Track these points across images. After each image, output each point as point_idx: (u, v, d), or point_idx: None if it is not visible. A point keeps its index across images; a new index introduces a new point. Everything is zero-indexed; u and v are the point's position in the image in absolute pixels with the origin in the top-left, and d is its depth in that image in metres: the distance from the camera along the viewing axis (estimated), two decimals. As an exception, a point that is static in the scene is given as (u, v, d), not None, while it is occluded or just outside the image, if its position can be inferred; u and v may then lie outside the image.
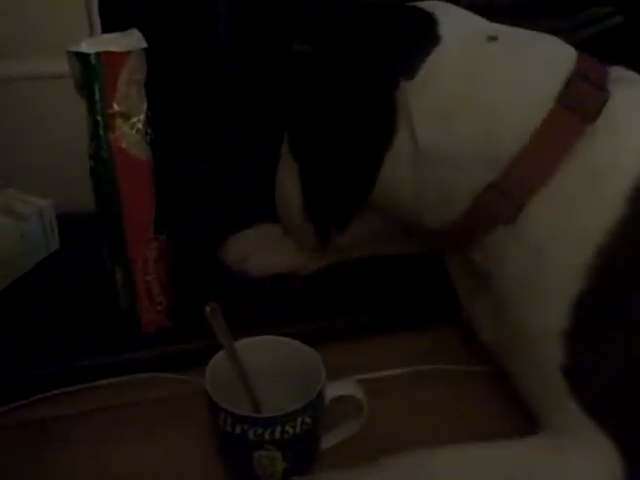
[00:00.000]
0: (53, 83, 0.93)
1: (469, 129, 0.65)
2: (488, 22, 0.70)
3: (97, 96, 0.71)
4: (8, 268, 0.85)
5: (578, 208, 0.63)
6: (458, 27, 0.68)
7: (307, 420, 0.60)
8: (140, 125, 0.73)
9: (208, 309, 0.63)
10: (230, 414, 0.59)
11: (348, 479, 0.62)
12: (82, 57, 0.70)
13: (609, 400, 0.62)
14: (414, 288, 0.85)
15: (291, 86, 0.78)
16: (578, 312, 0.62)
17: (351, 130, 0.70)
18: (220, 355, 0.64)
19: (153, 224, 0.75)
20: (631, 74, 0.69)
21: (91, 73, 0.70)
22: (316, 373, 0.62)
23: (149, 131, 0.74)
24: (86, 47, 0.70)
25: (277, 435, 0.59)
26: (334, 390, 0.63)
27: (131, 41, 0.72)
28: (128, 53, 0.71)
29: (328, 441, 0.65)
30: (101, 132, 0.72)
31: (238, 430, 0.59)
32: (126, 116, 0.72)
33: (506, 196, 0.64)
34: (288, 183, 0.79)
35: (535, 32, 0.69)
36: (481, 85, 0.65)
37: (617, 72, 0.68)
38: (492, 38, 0.67)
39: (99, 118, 0.71)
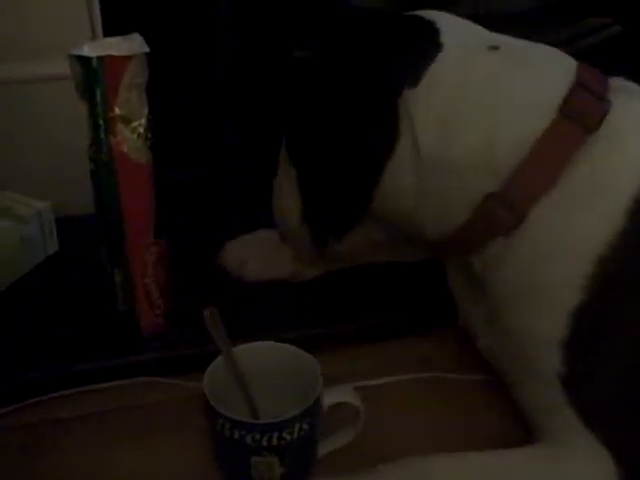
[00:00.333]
0: (54, 85, 0.94)
1: (471, 138, 0.65)
2: (488, 32, 0.70)
3: (98, 99, 0.71)
4: (7, 270, 0.85)
5: (578, 219, 0.63)
6: (459, 36, 0.68)
7: (304, 426, 0.60)
8: (141, 129, 0.73)
9: (207, 314, 0.63)
10: (228, 419, 0.59)
11: (345, 486, 0.62)
12: (84, 61, 0.70)
13: (606, 409, 0.62)
14: (412, 295, 0.85)
15: (291, 91, 0.78)
16: (576, 322, 0.62)
17: (352, 138, 0.70)
18: (218, 360, 0.64)
19: (153, 228, 0.75)
20: (631, 85, 0.69)
21: (93, 77, 0.70)
22: (314, 379, 0.62)
23: (150, 135, 0.74)
24: (88, 51, 0.70)
25: (274, 441, 0.59)
26: (332, 397, 0.63)
27: (133, 45, 0.72)
28: (130, 57, 0.71)
29: (325, 447, 0.65)
30: (102, 136, 0.72)
31: (236, 435, 0.59)
32: (127, 120, 0.72)
33: (507, 206, 0.64)
34: (286, 190, 0.79)
35: (535, 43, 0.70)
36: (483, 94, 0.65)
37: (618, 83, 0.68)
38: (493, 48, 0.67)
39: (100, 121, 0.72)
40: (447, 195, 0.67)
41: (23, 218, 0.87)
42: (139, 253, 0.75)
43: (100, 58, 0.70)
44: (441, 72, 0.66)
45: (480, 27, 0.71)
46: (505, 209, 0.64)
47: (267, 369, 0.66)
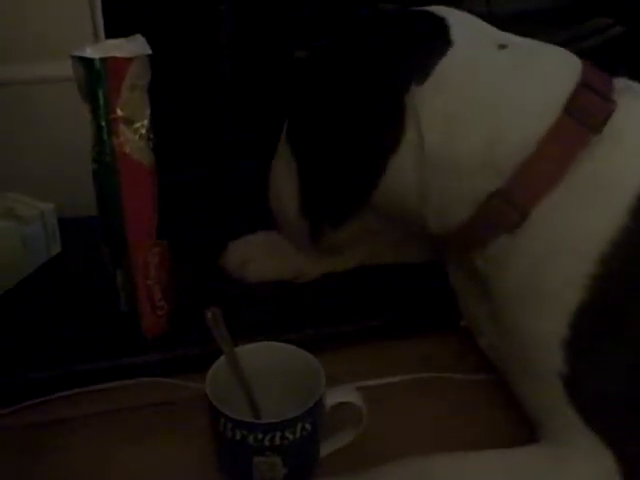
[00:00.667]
0: (56, 86, 0.94)
1: (476, 135, 0.65)
2: (497, 30, 0.71)
3: (101, 101, 0.71)
4: (9, 271, 0.85)
5: (581, 218, 0.63)
6: (469, 34, 0.68)
7: (307, 426, 0.60)
8: (143, 130, 0.73)
9: (209, 315, 0.63)
10: (230, 420, 0.59)
11: (348, 485, 0.62)
12: (86, 62, 0.70)
13: (607, 408, 0.62)
14: (414, 295, 0.85)
15: (296, 80, 0.77)
16: (578, 321, 0.62)
17: (358, 130, 0.69)
18: (221, 361, 0.64)
19: (155, 229, 0.75)
20: (636, 85, 0.69)
21: (95, 78, 0.71)
22: (316, 380, 0.62)
23: (152, 136, 0.74)
24: (91, 52, 0.71)
25: (277, 441, 0.59)
26: (334, 397, 0.63)
27: (135, 47, 0.73)
28: (132, 59, 0.71)
29: (327, 447, 0.65)
30: (104, 137, 0.72)
31: (238, 436, 0.59)
32: (129, 121, 0.72)
33: (510, 203, 0.64)
34: (284, 178, 0.79)
35: (542, 42, 0.70)
36: (489, 92, 0.65)
37: (622, 83, 0.68)
38: (501, 46, 0.68)
39: (102, 123, 0.72)
40: (450, 191, 0.67)
41: (26, 219, 0.88)
42: (141, 254, 0.75)
43: (103, 59, 0.70)
44: (449, 69, 0.66)
45: (489, 25, 0.71)
46: (508, 207, 0.64)
47: (269, 369, 0.66)
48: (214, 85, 1.13)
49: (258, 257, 0.87)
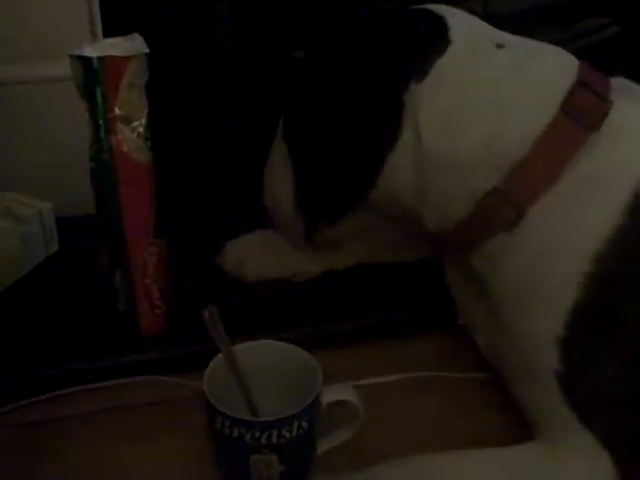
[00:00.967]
0: (54, 86, 0.94)
1: (474, 133, 0.65)
2: (495, 30, 0.71)
3: (99, 100, 0.71)
4: (8, 270, 0.85)
5: (577, 216, 0.63)
6: (467, 32, 0.68)
7: (304, 424, 0.60)
8: (141, 129, 0.73)
9: (206, 313, 0.63)
10: (228, 418, 0.59)
11: (345, 483, 0.63)
12: (84, 61, 0.70)
13: (603, 407, 0.62)
14: (411, 294, 0.85)
15: (293, 79, 0.77)
16: (574, 319, 0.62)
17: (355, 128, 0.69)
18: (218, 359, 0.64)
19: (153, 228, 0.75)
20: (632, 85, 0.70)
21: (93, 77, 0.71)
22: (313, 378, 0.63)
23: (149, 135, 0.74)
24: (88, 51, 0.71)
25: (274, 439, 0.59)
26: (331, 395, 0.63)
27: (133, 46, 0.73)
28: (130, 58, 0.71)
29: (324, 445, 0.65)
30: (102, 135, 0.72)
31: (235, 434, 0.59)
32: (127, 120, 0.72)
33: (507, 202, 0.64)
34: (279, 174, 0.79)
35: (540, 42, 0.70)
36: (487, 91, 0.66)
37: (619, 83, 0.69)
38: (499, 46, 0.68)
39: (100, 121, 0.72)
40: (448, 189, 0.67)
41: (24, 218, 0.88)
42: (139, 253, 0.75)
43: (100, 58, 0.70)
44: (448, 68, 0.66)
45: (487, 25, 0.71)
46: (505, 205, 0.65)
47: (266, 367, 0.66)
48: (212, 85, 1.14)
49: (255, 256, 0.87)
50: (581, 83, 0.65)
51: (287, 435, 0.60)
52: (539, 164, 0.64)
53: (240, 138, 1.16)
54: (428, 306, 0.84)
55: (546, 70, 0.67)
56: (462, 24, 0.69)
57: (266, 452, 0.60)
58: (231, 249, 0.88)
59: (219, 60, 1.12)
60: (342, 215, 0.76)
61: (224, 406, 0.60)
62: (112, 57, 0.70)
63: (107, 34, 0.95)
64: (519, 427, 0.67)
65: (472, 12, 0.72)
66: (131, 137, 0.73)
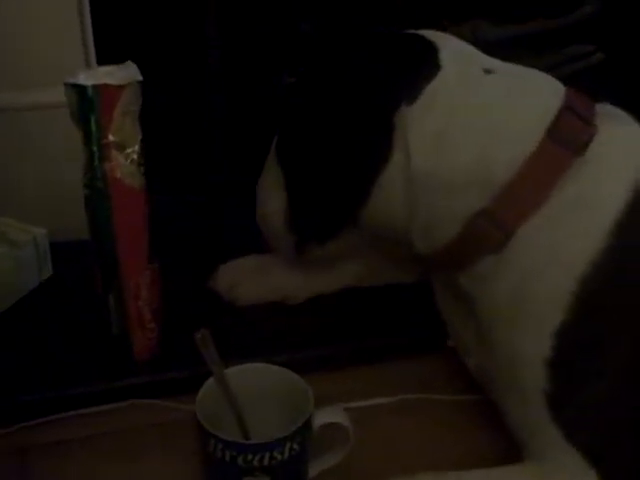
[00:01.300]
0: (49, 113, 0.95)
1: (463, 156, 0.66)
2: (485, 55, 0.72)
3: (93, 127, 0.72)
4: (1, 295, 0.85)
5: (563, 239, 0.64)
6: (458, 58, 0.70)
7: (295, 446, 0.61)
8: (135, 155, 0.74)
9: (199, 336, 0.64)
10: (220, 440, 0.60)
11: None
12: (79, 89, 0.71)
13: (591, 427, 0.63)
14: (402, 317, 0.86)
15: (285, 100, 0.78)
16: (561, 341, 0.63)
17: (346, 148, 0.70)
18: (210, 382, 0.65)
19: (146, 253, 0.76)
20: (617, 110, 0.71)
21: (87, 105, 0.71)
22: (304, 400, 0.63)
23: (143, 161, 0.75)
24: (83, 79, 0.71)
25: (266, 461, 0.60)
26: (322, 417, 0.64)
27: (127, 74, 0.74)
28: (124, 86, 0.72)
29: (316, 468, 0.66)
30: (96, 162, 0.73)
31: (228, 456, 0.60)
32: (121, 146, 0.73)
33: (495, 223, 0.66)
34: (272, 192, 0.80)
35: (527, 68, 0.72)
36: (476, 116, 0.67)
37: (604, 108, 0.70)
38: (488, 71, 0.69)
39: (94, 148, 0.73)
40: (436, 211, 0.68)
41: (18, 243, 0.88)
42: (132, 277, 0.76)
43: (95, 87, 0.71)
44: (438, 92, 0.67)
45: (477, 50, 0.73)
46: (493, 227, 0.66)
47: (258, 390, 0.67)
48: (205, 107, 1.15)
49: (247, 280, 0.88)
50: (567, 108, 0.67)
51: (279, 457, 0.60)
52: (526, 187, 0.65)
53: (232, 162, 1.17)
54: (418, 329, 0.84)
55: (533, 96, 0.69)
56: (452, 49, 0.70)
57: (258, 474, 0.60)
58: (223, 273, 0.89)
59: (211, 84, 1.13)
60: (332, 234, 0.77)
61: (216, 429, 0.60)
62: (106, 85, 0.71)
63: (101, 62, 0.96)
64: (509, 448, 0.67)
65: (461, 38, 0.74)
66: (125, 163, 0.73)
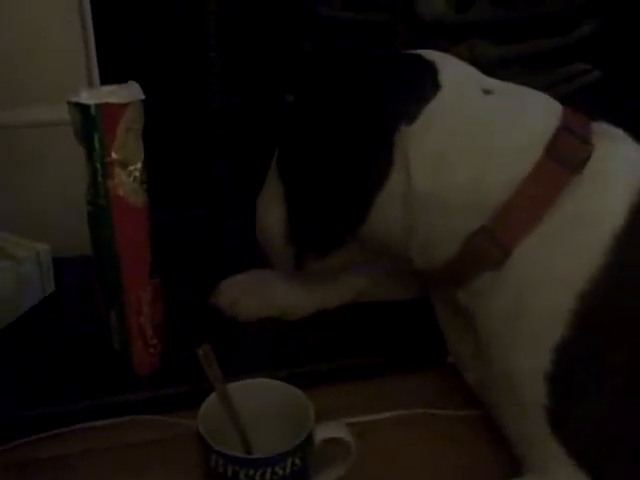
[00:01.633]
0: (52, 130, 0.96)
1: (461, 176, 0.67)
2: (484, 75, 0.73)
3: (96, 145, 0.73)
4: (4, 310, 0.86)
5: (561, 256, 0.65)
6: (457, 78, 0.70)
7: (297, 461, 0.61)
8: (137, 173, 0.74)
9: (201, 352, 0.64)
10: (222, 455, 0.60)
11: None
12: (82, 108, 0.72)
13: (590, 441, 0.63)
14: (403, 332, 0.86)
15: (286, 116, 0.79)
16: (560, 357, 0.63)
17: (347, 167, 0.71)
18: (212, 398, 0.65)
19: (148, 269, 0.76)
20: (614, 129, 0.72)
21: (91, 123, 0.72)
22: (306, 415, 0.63)
23: (145, 179, 0.76)
24: (86, 98, 0.72)
25: (267, 476, 0.60)
26: (323, 432, 0.64)
27: (129, 93, 0.74)
28: (127, 104, 0.73)
29: (317, 483, 0.66)
30: (99, 179, 0.74)
31: (230, 471, 0.60)
32: (124, 164, 0.74)
33: (494, 241, 0.66)
34: (272, 205, 0.80)
35: (525, 87, 0.72)
36: (475, 135, 0.68)
37: (601, 127, 0.71)
38: (487, 91, 0.70)
39: (98, 166, 0.73)
40: (436, 228, 0.69)
41: (21, 259, 0.89)
42: (134, 293, 0.76)
43: (98, 105, 0.72)
44: (438, 111, 0.68)
45: (476, 70, 0.74)
46: (492, 244, 0.66)
47: (260, 406, 0.67)
48: (207, 125, 1.15)
49: (248, 295, 0.88)
50: (565, 127, 0.68)
51: (281, 472, 0.60)
52: (524, 205, 0.66)
53: (234, 178, 1.17)
54: (419, 344, 0.85)
55: (531, 115, 0.69)
56: (452, 69, 0.71)
57: (260, 489, 0.61)
58: (224, 289, 0.89)
59: (212, 102, 1.14)
60: (331, 248, 0.78)
61: (218, 444, 0.60)
62: (109, 104, 0.72)
63: (104, 82, 0.97)
64: (509, 463, 0.68)
65: (460, 57, 0.75)
66: (127, 181, 0.74)
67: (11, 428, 0.73)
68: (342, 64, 0.76)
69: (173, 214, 1.02)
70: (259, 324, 0.87)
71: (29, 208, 1.00)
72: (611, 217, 0.65)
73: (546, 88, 0.74)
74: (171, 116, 1.08)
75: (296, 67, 1.16)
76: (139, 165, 0.75)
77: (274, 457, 0.60)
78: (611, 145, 0.69)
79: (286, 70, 1.17)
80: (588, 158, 0.66)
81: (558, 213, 0.65)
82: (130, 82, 0.76)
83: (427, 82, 0.69)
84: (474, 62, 0.75)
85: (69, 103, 0.73)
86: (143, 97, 0.75)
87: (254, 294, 0.88)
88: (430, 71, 0.70)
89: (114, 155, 0.73)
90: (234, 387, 0.66)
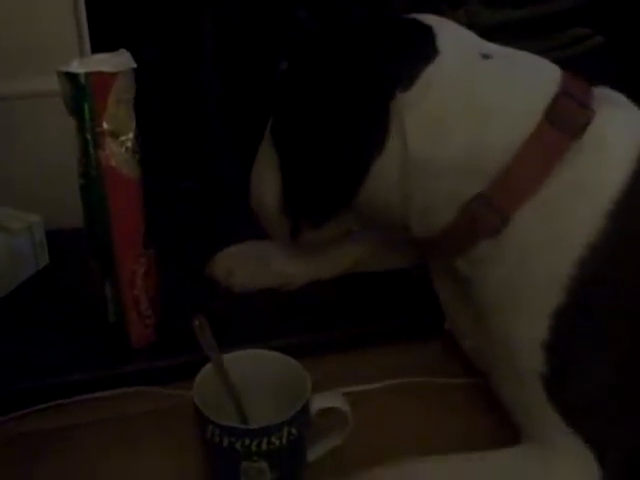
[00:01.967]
0: (43, 101, 0.95)
1: (459, 140, 0.66)
2: (482, 40, 0.72)
3: (87, 115, 0.72)
4: (-2, 283, 0.85)
5: (560, 222, 0.64)
6: (455, 43, 0.69)
7: (293, 431, 0.61)
8: (129, 143, 0.74)
9: (196, 323, 0.64)
10: (218, 426, 0.60)
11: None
12: (72, 77, 0.71)
13: (588, 409, 0.63)
14: (399, 302, 0.86)
15: (281, 84, 0.77)
16: (558, 324, 0.63)
17: (341, 135, 0.70)
18: (208, 368, 0.65)
19: (142, 240, 0.76)
20: (615, 94, 0.71)
21: (81, 93, 0.71)
22: (302, 386, 0.63)
23: (137, 149, 0.75)
24: (76, 67, 0.71)
25: (264, 446, 0.60)
26: (320, 402, 0.64)
27: (120, 61, 0.73)
28: (117, 73, 0.72)
29: (314, 452, 0.66)
30: (91, 150, 0.73)
31: (226, 442, 0.60)
32: (115, 134, 0.73)
33: (492, 208, 0.66)
34: (267, 175, 0.79)
35: (524, 52, 0.71)
36: (473, 100, 0.67)
37: (602, 92, 0.70)
38: (485, 56, 0.69)
39: (88, 136, 0.73)
40: (433, 196, 0.68)
41: (14, 231, 0.88)
42: (128, 265, 0.76)
43: (88, 74, 0.71)
44: (435, 77, 0.67)
45: (473, 34, 0.73)
46: (490, 211, 0.66)
47: (256, 376, 0.67)
48: (200, 94, 1.15)
49: (244, 266, 0.88)
50: (564, 92, 0.67)
51: (277, 442, 0.60)
52: (523, 171, 0.65)
53: (228, 145, 1.17)
54: (415, 313, 0.84)
55: (531, 80, 0.69)
56: (449, 34, 0.70)
57: (256, 459, 0.61)
58: (220, 260, 0.89)
59: (205, 71, 1.13)
60: (327, 218, 0.77)
61: (214, 415, 0.60)
62: (100, 73, 0.71)
63: (95, 50, 0.96)
64: (506, 431, 0.68)
65: (457, 22, 0.73)
66: (119, 151, 0.73)
67: (5, 401, 0.73)
68: (337, 30, 0.75)
69: (168, 185, 1.02)
70: (254, 295, 0.87)
71: (21, 180, 1.00)
72: (610, 183, 0.64)
73: (546, 53, 0.73)
74: (163, 86, 1.07)
75: (291, 35, 1.15)
76: (131, 135, 0.74)
77: (270, 427, 0.60)
78: (611, 110, 0.68)
79: (281, 38, 1.15)
80: (588, 123, 0.65)
81: (557, 179, 0.64)
82: (121, 50, 0.75)
83: (424, 47, 0.68)
84: (472, 27, 0.74)
85: (59, 72, 0.72)
86: (134, 66, 0.74)
87: (249, 265, 0.88)
88: (428, 36, 0.69)
89: (105, 125, 0.72)
90: (229, 358, 0.66)
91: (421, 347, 0.81)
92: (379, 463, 0.64)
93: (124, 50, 0.75)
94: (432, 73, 0.67)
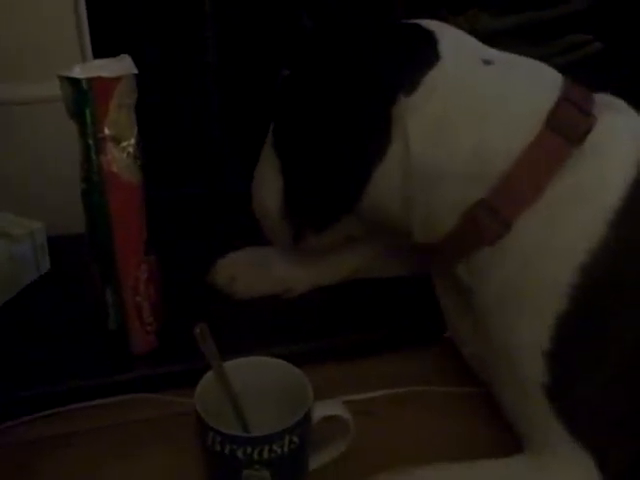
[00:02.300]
0: (45, 106, 0.95)
1: (461, 146, 0.66)
2: (483, 45, 0.72)
3: (88, 120, 0.72)
4: (-1, 289, 0.85)
5: (562, 229, 0.64)
6: (456, 48, 0.69)
7: (295, 439, 0.61)
8: (131, 149, 0.74)
9: (197, 330, 0.64)
10: (219, 434, 0.60)
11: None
12: (74, 82, 0.71)
13: (590, 418, 0.63)
14: (401, 310, 0.86)
15: (283, 89, 0.77)
16: (560, 331, 0.63)
17: (345, 139, 0.70)
18: (209, 376, 0.65)
19: (143, 247, 0.76)
20: (615, 100, 0.71)
21: (82, 98, 0.71)
22: (304, 393, 0.63)
23: (139, 155, 0.75)
24: (78, 72, 0.71)
25: (265, 454, 0.60)
26: (321, 410, 0.64)
27: (122, 66, 0.73)
28: (119, 78, 0.72)
29: (316, 461, 0.66)
30: (92, 156, 0.73)
31: (227, 450, 0.60)
32: (117, 140, 0.73)
33: (494, 213, 0.65)
34: (269, 180, 0.79)
35: (526, 58, 0.71)
36: (475, 106, 0.67)
37: (603, 98, 0.70)
38: (487, 62, 0.69)
39: (90, 141, 0.72)
40: (435, 202, 0.68)
41: (15, 237, 0.88)
42: (130, 271, 0.75)
43: (89, 79, 0.70)
44: (437, 82, 0.67)
45: (475, 40, 0.73)
46: (492, 217, 0.66)
47: (257, 384, 0.66)
48: (202, 99, 1.14)
49: (246, 273, 0.88)
50: (565, 98, 0.67)
51: (279, 450, 0.60)
52: (524, 177, 0.65)
53: (230, 151, 1.17)
54: (416, 321, 0.84)
55: (532, 86, 0.69)
56: (451, 40, 0.70)
57: (258, 467, 0.60)
58: (222, 267, 0.89)
59: (208, 76, 1.13)
60: (329, 224, 0.77)
61: (215, 422, 0.60)
62: (101, 78, 0.71)
63: (97, 55, 0.96)
64: (507, 438, 0.67)
65: (459, 27, 0.73)
66: (121, 157, 0.73)
67: (4, 409, 0.73)
68: (339, 35, 0.75)
69: (169, 191, 1.02)
70: (256, 302, 0.86)
71: (22, 186, 1.00)
72: (611, 190, 0.64)
73: (547, 59, 0.73)
74: (165, 91, 1.07)
75: (294, 42, 1.15)
76: (132, 141, 0.74)
77: (272, 435, 0.60)
78: (612, 117, 0.68)
79: (284, 45, 1.15)
80: (589, 130, 0.65)
81: (558, 185, 0.64)
82: (122, 56, 0.75)
83: (426, 52, 0.69)
84: (473, 33, 0.74)
85: (61, 78, 0.72)
86: (136, 71, 0.73)
87: (251, 271, 0.88)
88: (429, 41, 0.69)
89: (107, 130, 0.72)
90: (231, 365, 0.66)
91: (422, 354, 0.81)
92: (381, 471, 0.64)
93: (126, 55, 0.75)
94: (434, 78, 0.67)
